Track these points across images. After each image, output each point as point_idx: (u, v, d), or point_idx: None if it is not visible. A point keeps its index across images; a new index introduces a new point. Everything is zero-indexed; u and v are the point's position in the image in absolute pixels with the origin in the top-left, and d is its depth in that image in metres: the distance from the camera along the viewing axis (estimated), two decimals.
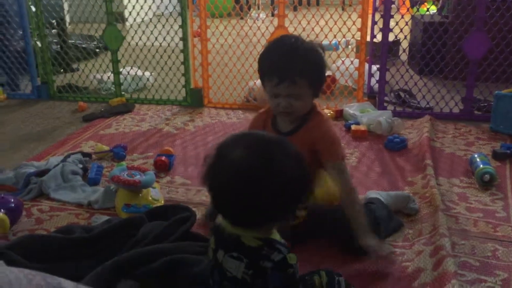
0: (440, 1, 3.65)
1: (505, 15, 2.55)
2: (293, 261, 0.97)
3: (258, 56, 1.47)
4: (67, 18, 3.65)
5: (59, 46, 3.51)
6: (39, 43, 3.09)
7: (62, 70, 3.30)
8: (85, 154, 2.12)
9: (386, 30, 2.62)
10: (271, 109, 1.48)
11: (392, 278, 1.33)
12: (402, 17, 2.66)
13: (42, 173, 1.91)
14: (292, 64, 1.34)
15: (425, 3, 4.27)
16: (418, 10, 3.28)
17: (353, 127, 2.42)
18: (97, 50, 3.91)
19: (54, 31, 3.64)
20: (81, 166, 2.00)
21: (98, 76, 3.22)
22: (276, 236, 1.02)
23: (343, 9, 2.67)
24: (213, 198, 0.99)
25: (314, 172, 1.44)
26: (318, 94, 1.42)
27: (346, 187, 1.40)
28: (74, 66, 3.61)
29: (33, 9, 3.03)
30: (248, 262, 0.96)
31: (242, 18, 3.01)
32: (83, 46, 3.85)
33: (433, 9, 3.38)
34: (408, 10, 3.05)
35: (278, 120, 1.48)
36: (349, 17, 2.73)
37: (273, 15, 3.41)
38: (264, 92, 1.44)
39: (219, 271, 1.01)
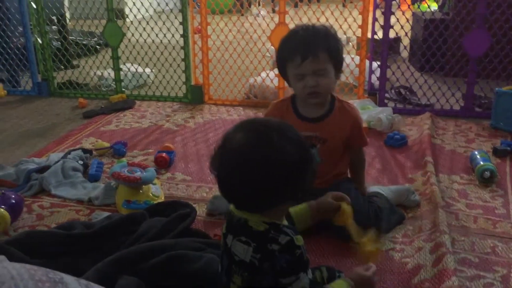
0: None
1: (506, 12, 2.54)
2: (300, 243, 0.97)
3: (277, 47, 1.52)
4: (68, 15, 3.65)
5: (59, 42, 3.50)
6: (39, 40, 3.09)
7: (62, 67, 3.30)
8: (85, 151, 2.13)
9: (387, 27, 2.61)
10: (290, 98, 1.55)
11: (391, 274, 1.34)
12: (403, 14, 2.66)
13: (42, 169, 1.91)
14: (314, 41, 1.41)
15: (426, 0, 4.26)
16: (419, 7, 3.28)
17: None
18: (98, 46, 3.91)
19: (54, 27, 3.64)
20: (81, 162, 2.00)
21: (99, 72, 3.22)
22: (284, 222, 1.03)
23: (344, 5, 2.66)
24: (218, 184, 1.01)
25: (343, 158, 1.57)
26: (339, 72, 1.48)
27: (364, 164, 1.64)
28: (75, 62, 3.61)
29: (34, 5, 3.02)
30: (256, 246, 0.97)
31: (242, 15, 3.00)
32: (84, 42, 3.85)
33: (434, 6, 3.37)
34: (409, 7, 3.04)
35: (302, 107, 1.51)
36: (350, 14, 2.73)
37: (274, 11, 3.41)
38: (290, 79, 1.48)
39: (228, 256, 1.02)
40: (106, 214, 1.61)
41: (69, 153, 2.05)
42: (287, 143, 0.96)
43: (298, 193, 0.99)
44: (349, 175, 1.63)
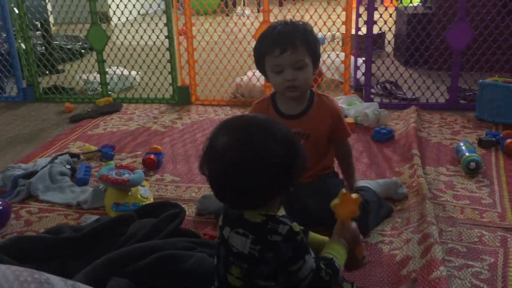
0: None
1: (486, 5, 2.58)
2: (298, 228, 0.99)
3: (256, 41, 1.51)
4: (51, 19, 3.62)
5: (43, 47, 3.48)
6: (23, 45, 3.07)
7: (47, 72, 3.28)
8: (73, 155, 2.12)
9: (370, 22, 2.63)
10: (270, 96, 1.56)
11: (381, 266, 1.35)
12: (386, 9, 2.68)
13: (30, 175, 1.90)
14: (293, 33, 1.42)
15: None
16: (401, 2, 3.30)
17: None
18: (83, 50, 3.89)
19: (38, 32, 3.61)
20: (69, 167, 1.99)
21: (84, 76, 3.21)
22: (281, 211, 1.04)
23: (328, 3, 2.67)
24: (210, 185, 1.01)
25: (328, 152, 1.59)
26: (316, 67, 1.49)
27: (351, 155, 1.64)
28: (60, 67, 3.59)
29: (16, 11, 3.00)
30: (255, 238, 0.98)
31: (227, 15, 3.01)
32: (68, 47, 3.83)
33: (416, 0, 3.40)
34: (391, 2, 3.06)
35: (281, 104, 1.53)
36: (334, 10, 2.74)
37: (258, 11, 3.41)
38: (267, 73, 1.48)
39: (225, 247, 1.02)
40: (95, 217, 1.60)
41: (56, 157, 2.04)
42: (272, 139, 0.96)
43: (289, 186, 1.00)
44: (335, 170, 1.64)
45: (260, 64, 1.50)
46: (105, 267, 1.20)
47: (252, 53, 1.53)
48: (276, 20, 1.57)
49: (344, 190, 1.16)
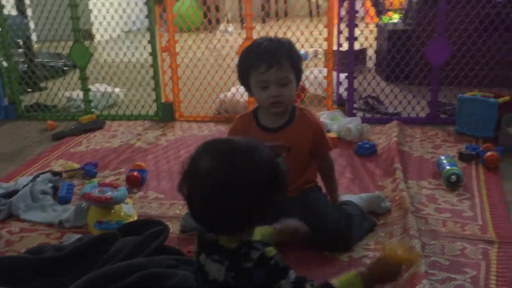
0: (404, 10, 3.76)
1: (464, 21, 2.64)
2: (272, 253, 0.98)
3: (239, 57, 1.55)
4: (34, 37, 3.60)
5: (26, 65, 3.46)
6: (5, 63, 3.04)
7: (30, 90, 3.25)
8: (55, 173, 2.09)
9: (351, 39, 2.67)
10: (252, 111, 1.58)
11: None
12: (367, 26, 2.73)
13: (11, 194, 1.88)
14: (278, 50, 1.45)
15: (390, 12, 4.38)
16: (381, 19, 3.37)
17: None
18: (65, 68, 3.87)
19: (20, 50, 3.59)
20: (51, 185, 1.97)
21: (67, 94, 3.19)
22: (257, 236, 1.05)
23: (310, 18, 2.74)
24: (188, 205, 1.01)
25: (310, 166, 1.60)
26: (299, 83, 1.53)
27: (333, 169, 1.66)
28: (42, 85, 3.56)
29: None
30: (229, 264, 0.97)
31: (211, 32, 3.03)
32: (51, 64, 3.81)
33: (396, 17, 3.47)
34: (371, 18, 3.12)
35: (263, 118, 1.55)
36: (316, 27, 2.78)
37: (242, 27, 3.44)
38: (252, 88, 1.50)
39: (202, 274, 1.02)
40: (77, 236, 1.58)
41: (37, 176, 2.01)
42: (255, 166, 0.96)
43: (267, 213, 1.00)
44: (318, 184, 1.65)
45: (244, 78, 1.52)
46: (88, 286, 1.18)
47: (235, 69, 1.55)
48: (259, 37, 1.60)
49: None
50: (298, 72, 1.51)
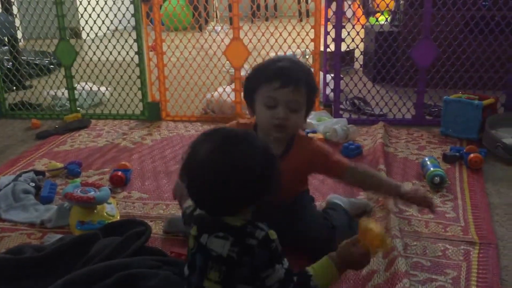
0: (391, 12, 3.77)
1: (450, 23, 2.66)
2: (274, 236, 1.03)
3: (252, 71, 1.43)
4: (19, 35, 3.56)
5: (10, 63, 3.42)
6: None
7: (14, 88, 3.21)
8: (38, 172, 2.07)
9: (338, 40, 2.68)
10: (254, 126, 1.44)
11: (347, 282, 1.36)
12: (353, 27, 2.74)
13: None
14: (299, 73, 1.35)
15: (378, 13, 4.40)
16: (367, 20, 3.38)
17: (310, 135, 2.45)
18: (51, 66, 3.83)
19: (5, 48, 3.55)
20: (33, 184, 1.95)
21: (52, 92, 3.16)
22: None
23: (301, 18, 2.75)
24: (189, 193, 1.07)
25: (296, 192, 1.49)
26: (308, 114, 1.42)
27: (370, 170, 1.58)
28: (27, 83, 3.52)
29: None
30: (234, 240, 1.01)
31: (200, 30, 3.01)
32: (36, 62, 3.76)
33: (382, 19, 3.48)
34: (358, 20, 3.13)
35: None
36: (303, 28, 2.79)
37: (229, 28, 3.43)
38: (256, 106, 1.38)
39: (203, 254, 1.05)
40: (58, 236, 1.56)
41: (20, 175, 1.99)
42: (253, 152, 1.02)
43: (266, 194, 1.06)
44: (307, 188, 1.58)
45: (249, 94, 1.40)
46: (68, 287, 1.17)
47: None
48: (277, 55, 1.48)
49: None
50: (310, 104, 1.40)
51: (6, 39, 3.42)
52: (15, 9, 3.37)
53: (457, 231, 1.60)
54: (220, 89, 2.93)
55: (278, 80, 1.32)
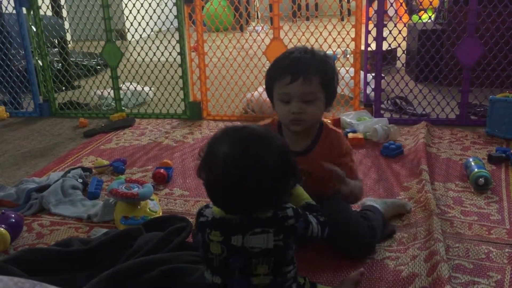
0: (436, 9, 3.69)
1: (496, 20, 2.58)
2: (295, 206, 1.10)
3: (269, 66, 1.42)
4: (68, 37, 3.71)
5: (60, 64, 3.56)
6: (40, 62, 3.15)
7: (63, 88, 3.35)
8: (85, 169, 2.16)
9: (379, 39, 2.65)
10: (277, 124, 1.44)
11: (386, 282, 1.35)
12: (395, 25, 2.70)
13: (42, 188, 1.94)
14: (308, 63, 1.31)
15: (422, 11, 4.30)
16: (410, 18, 3.32)
17: (350, 135, 2.44)
18: (98, 67, 3.97)
19: (55, 49, 3.71)
20: (81, 180, 2.03)
21: (99, 92, 3.27)
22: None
23: (342, 17, 2.73)
24: (207, 190, 1.06)
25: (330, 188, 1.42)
26: (330, 103, 1.38)
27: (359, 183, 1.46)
28: (75, 83, 3.67)
29: (34, 29, 3.09)
30: (276, 230, 1.03)
31: (242, 30, 3.04)
32: (84, 63, 3.91)
33: (425, 17, 3.41)
34: (400, 18, 3.08)
35: (286, 136, 1.40)
36: (343, 27, 2.77)
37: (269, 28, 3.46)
38: (274, 101, 1.38)
39: (242, 254, 1.03)
40: (104, 230, 1.63)
41: (68, 172, 2.08)
42: (270, 153, 1.02)
43: (285, 193, 1.10)
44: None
45: (269, 89, 1.40)
46: (111, 280, 1.22)
47: (262, 69, 1.50)
48: (296, 46, 1.46)
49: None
50: (330, 91, 1.35)
51: (56, 41, 3.57)
52: (64, 12, 3.51)
53: (502, 234, 1.56)
54: (260, 89, 2.95)
55: (288, 75, 1.31)
